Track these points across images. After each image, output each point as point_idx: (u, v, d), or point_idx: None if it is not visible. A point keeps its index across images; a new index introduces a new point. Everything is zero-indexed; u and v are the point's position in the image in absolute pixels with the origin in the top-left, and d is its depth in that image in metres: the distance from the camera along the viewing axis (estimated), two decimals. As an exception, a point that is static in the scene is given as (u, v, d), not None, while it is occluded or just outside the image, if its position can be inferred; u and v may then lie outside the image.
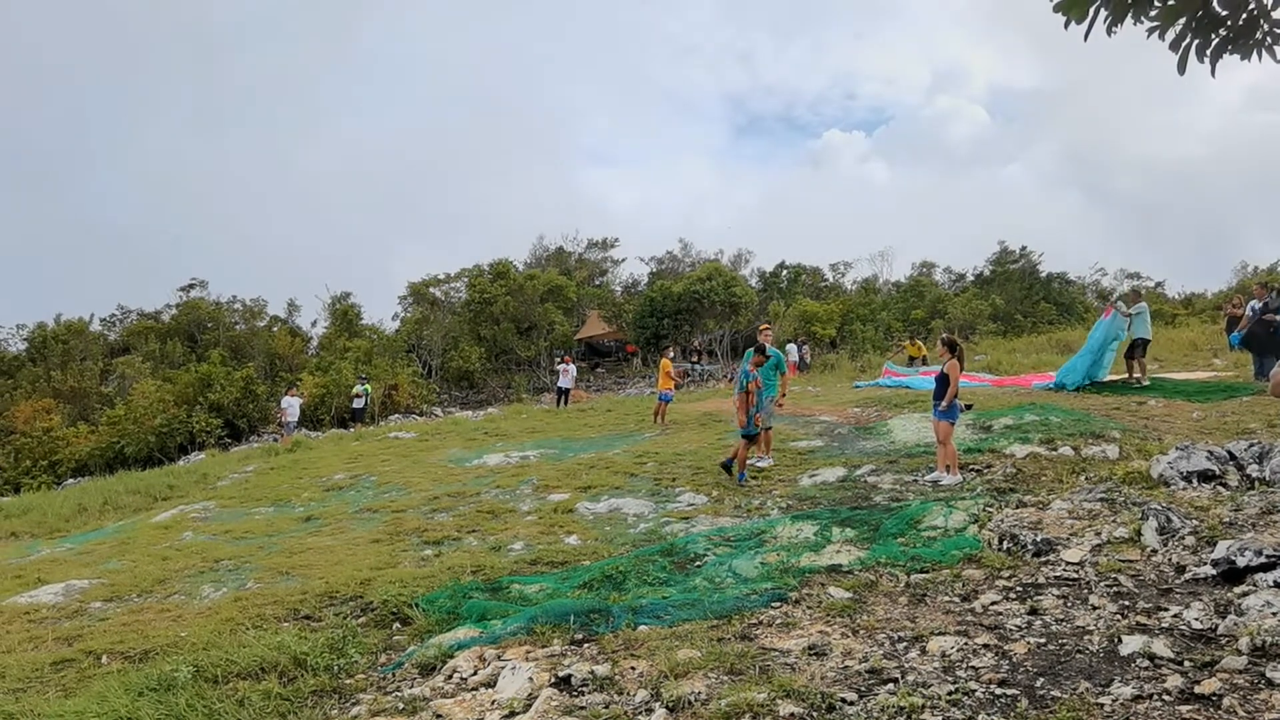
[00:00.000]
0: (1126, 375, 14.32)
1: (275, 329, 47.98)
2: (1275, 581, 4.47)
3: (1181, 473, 7.20)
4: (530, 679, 4.24)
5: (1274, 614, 4.07)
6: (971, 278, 51.41)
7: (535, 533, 8.11)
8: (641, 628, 4.96)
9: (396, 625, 5.75)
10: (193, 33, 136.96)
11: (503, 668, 4.47)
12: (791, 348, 26.71)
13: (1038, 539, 5.85)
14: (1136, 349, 13.96)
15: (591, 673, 4.23)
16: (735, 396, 10.14)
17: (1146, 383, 13.61)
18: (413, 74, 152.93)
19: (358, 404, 26.76)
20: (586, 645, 4.79)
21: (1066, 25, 3.26)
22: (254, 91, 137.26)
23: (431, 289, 49.86)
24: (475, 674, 4.53)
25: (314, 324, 50.82)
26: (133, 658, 5.41)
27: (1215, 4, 3.41)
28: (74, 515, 14.54)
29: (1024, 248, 49.47)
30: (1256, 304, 14.83)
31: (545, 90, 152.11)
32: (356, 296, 49.65)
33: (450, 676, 4.56)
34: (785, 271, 54.59)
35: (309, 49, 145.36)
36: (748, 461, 10.71)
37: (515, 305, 45.06)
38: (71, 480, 27.16)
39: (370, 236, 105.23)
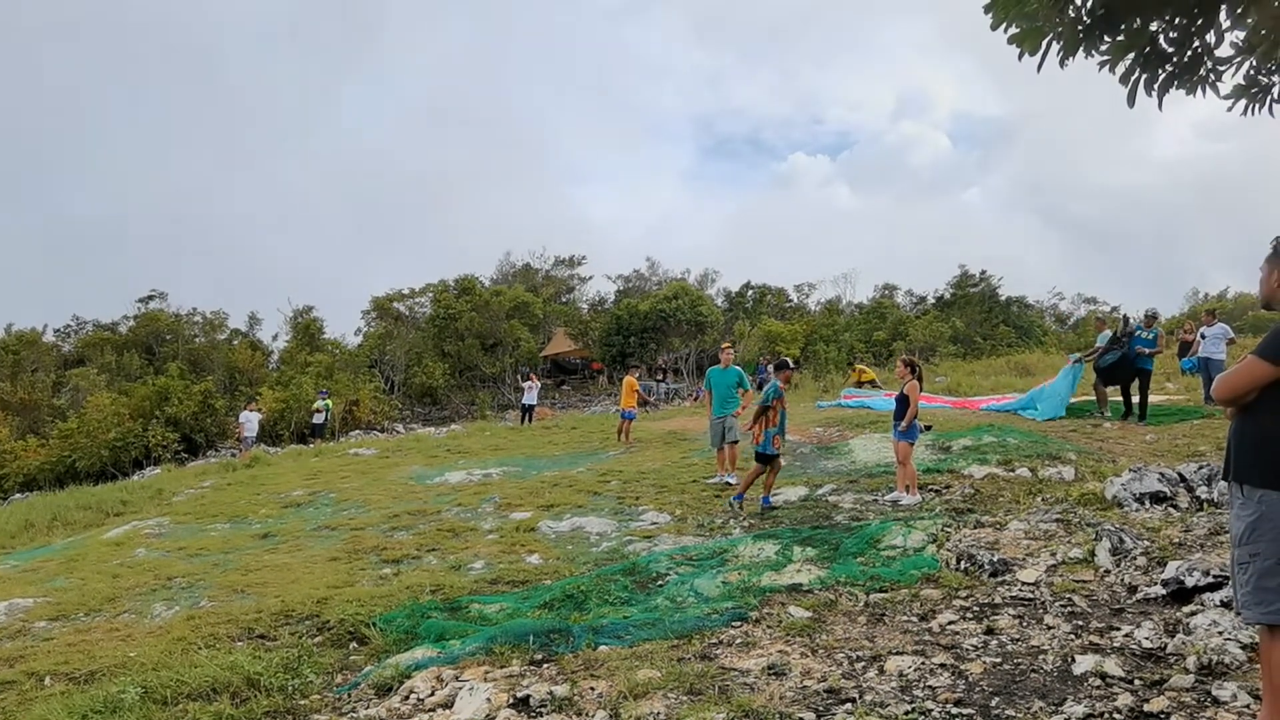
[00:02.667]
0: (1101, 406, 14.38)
1: (236, 342, 47.36)
2: (1221, 601, 4.57)
3: (1134, 494, 7.35)
4: (488, 700, 4.20)
5: (1220, 633, 4.16)
6: (932, 300, 52.11)
7: (496, 551, 8.04)
8: (602, 648, 4.93)
9: (353, 645, 5.65)
10: (174, 43, 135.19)
11: (460, 688, 4.41)
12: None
13: (994, 559, 5.93)
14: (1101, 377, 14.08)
15: (550, 693, 4.20)
16: (748, 412, 9.59)
17: (1108, 414, 13.81)
18: (383, 88, 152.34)
19: (318, 419, 26.42)
20: (546, 666, 4.75)
21: (1020, 56, 3.36)
22: (232, 101, 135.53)
23: (395, 304, 49.56)
24: (432, 694, 4.47)
25: (275, 338, 50.34)
26: (78, 679, 5.26)
27: (1162, 40, 3.53)
28: (20, 531, 14.13)
29: (984, 271, 50.30)
30: (1207, 329, 15.17)
31: (515, 108, 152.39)
32: (319, 310, 49.25)
33: (407, 697, 4.49)
34: (751, 292, 55.01)
35: (289, 63, 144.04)
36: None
37: (480, 321, 44.88)
38: (18, 495, 26.43)
39: (335, 250, 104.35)
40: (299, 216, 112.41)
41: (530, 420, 24.06)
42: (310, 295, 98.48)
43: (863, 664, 4.35)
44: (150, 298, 49.59)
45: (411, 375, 43.23)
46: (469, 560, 7.79)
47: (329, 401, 27.95)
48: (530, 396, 24.59)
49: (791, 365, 9.79)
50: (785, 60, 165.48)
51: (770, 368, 12.03)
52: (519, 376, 34.54)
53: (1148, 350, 13.14)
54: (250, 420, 23.56)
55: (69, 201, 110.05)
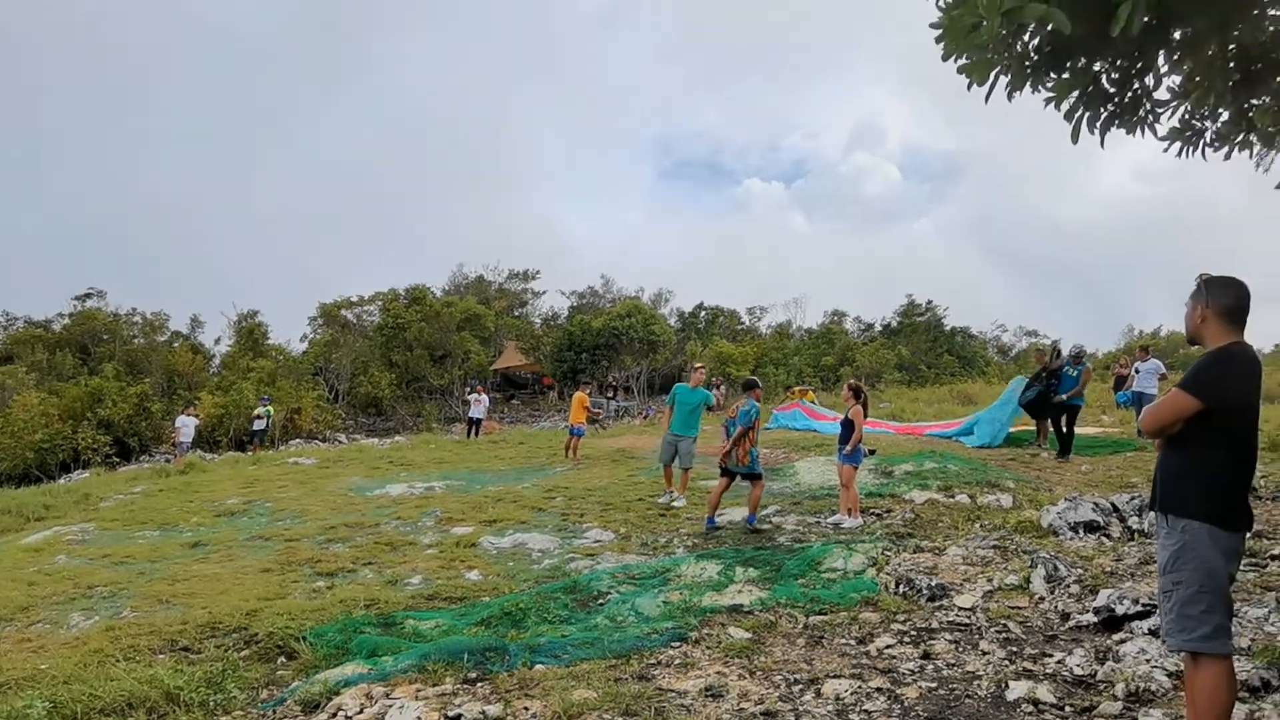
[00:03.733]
0: (1040, 437, 14.59)
1: (176, 344, 46.12)
2: (1150, 629, 4.67)
3: (1069, 523, 7.50)
4: (419, 718, 4.09)
5: (1147, 660, 4.24)
6: (880, 328, 53.04)
7: (435, 567, 7.90)
8: (538, 667, 4.85)
9: (282, 659, 5.48)
10: (133, 42, 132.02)
11: (390, 706, 4.30)
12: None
13: (933, 584, 5.99)
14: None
15: (483, 713, 4.11)
16: (733, 432, 9.15)
17: (1045, 445, 14.05)
18: (342, 98, 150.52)
19: (258, 425, 25.79)
20: (480, 684, 4.65)
21: (969, 87, 3.42)
22: (190, 103, 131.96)
23: (343, 311, 48.77)
24: (361, 712, 4.34)
25: (218, 341, 49.11)
26: (-17, 692, 5.01)
27: (1104, 80, 3.63)
28: (-66, 535, 13.50)
29: (930, 301, 51.41)
30: (1140, 365, 15.60)
31: (473, 124, 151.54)
32: (265, 315, 48.14)
33: (335, 715, 4.36)
34: (704, 312, 55.41)
35: (247, 69, 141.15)
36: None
37: (430, 332, 44.41)
38: (-65, 497, 25.31)
39: (285, 254, 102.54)
40: (249, 219, 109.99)
41: (477, 434, 23.79)
42: (256, 300, 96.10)
43: (800, 686, 4.34)
44: (88, 296, 48.13)
45: (357, 384, 42.54)
46: (406, 575, 7.63)
47: (270, 408, 27.34)
48: (477, 410, 24.31)
49: (759, 384, 9.80)
50: (744, 87, 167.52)
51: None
52: (467, 389, 34.19)
53: (1067, 394, 13.05)
54: (187, 425, 22.93)
55: (5, 197, 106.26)
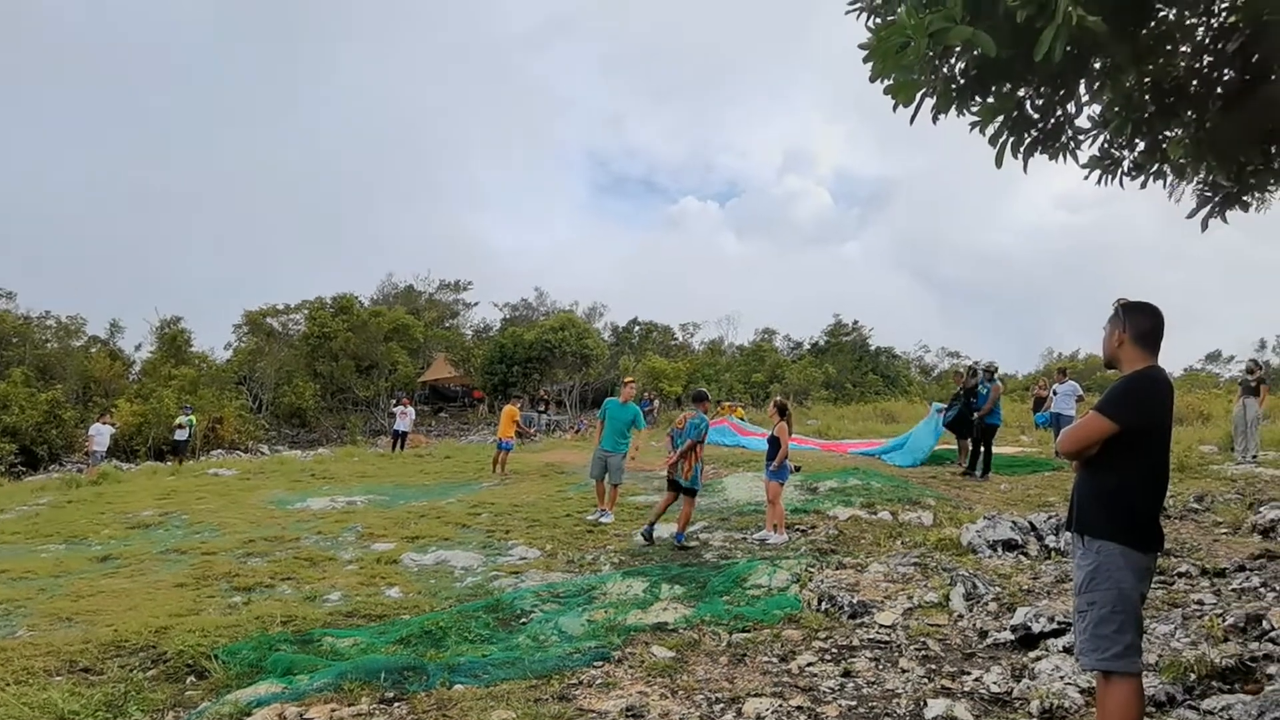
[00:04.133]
0: (961, 456, 14.85)
1: (94, 350, 44.20)
2: (1064, 647, 4.76)
3: (988, 541, 7.64)
4: (328, 742, 3.93)
5: (1061, 678, 4.32)
6: (808, 346, 53.99)
7: (355, 583, 7.67)
8: (457, 687, 4.72)
9: (191, 679, 5.21)
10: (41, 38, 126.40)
11: (301, 729, 4.13)
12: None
13: (854, 601, 6.02)
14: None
15: (396, 735, 3.96)
16: (678, 446, 9.05)
17: (966, 463, 14.32)
18: (270, 102, 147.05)
19: (180, 435, 24.84)
20: (397, 704, 4.50)
21: (895, 108, 3.46)
22: (112, 106, 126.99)
23: (269, 319, 47.50)
24: (270, 735, 4.16)
25: (138, 348, 47.22)
26: None
27: (1028, 106, 3.72)
28: None
29: (856, 322, 52.60)
30: (1059, 387, 16.11)
31: (408, 131, 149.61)
32: (189, 322, 46.48)
33: (241, 739, 4.16)
34: (637, 328, 55.54)
35: (179, 74, 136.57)
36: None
37: (357, 342, 43.57)
38: None
39: (212, 261, 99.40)
40: (173, 223, 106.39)
41: (402, 447, 23.33)
42: (181, 306, 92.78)
43: (721, 706, 4.30)
44: (-6, 297, 45.83)
45: (281, 395, 41.43)
46: (325, 591, 7.39)
47: (192, 418, 26.38)
48: (403, 423, 23.83)
49: (709, 396, 9.77)
50: (682, 107, 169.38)
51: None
52: (393, 401, 33.53)
53: (978, 413, 13.33)
54: (101, 433, 21.87)
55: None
